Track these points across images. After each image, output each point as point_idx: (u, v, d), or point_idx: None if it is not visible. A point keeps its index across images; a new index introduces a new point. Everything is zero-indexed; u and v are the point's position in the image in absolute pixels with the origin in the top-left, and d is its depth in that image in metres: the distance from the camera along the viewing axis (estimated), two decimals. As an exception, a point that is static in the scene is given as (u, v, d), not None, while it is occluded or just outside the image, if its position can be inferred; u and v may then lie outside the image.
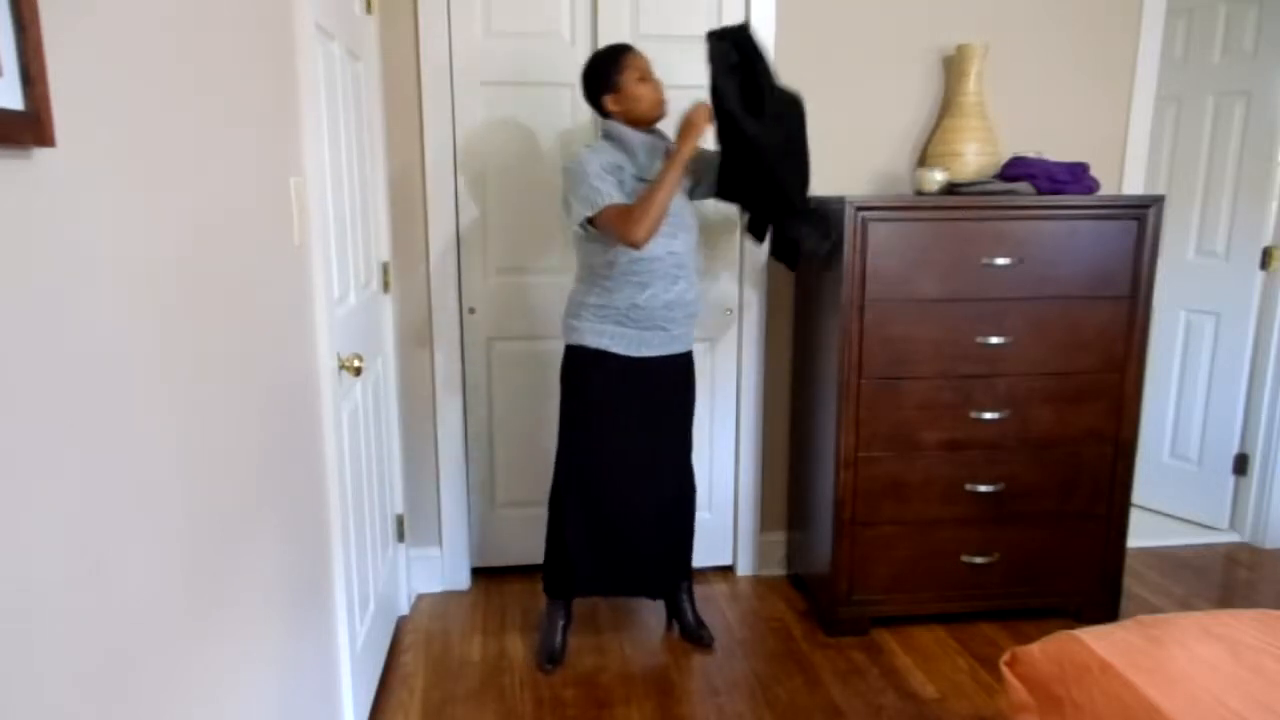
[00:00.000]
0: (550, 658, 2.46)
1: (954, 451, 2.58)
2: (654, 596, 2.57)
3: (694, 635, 2.60)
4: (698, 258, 2.45)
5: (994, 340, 2.52)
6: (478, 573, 3.00)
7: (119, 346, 0.92)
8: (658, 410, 2.39)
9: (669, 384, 2.39)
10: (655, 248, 2.24)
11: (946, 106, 2.80)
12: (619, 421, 2.35)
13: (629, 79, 2.24)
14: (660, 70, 2.31)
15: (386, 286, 2.62)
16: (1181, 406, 3.49)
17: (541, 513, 2.60)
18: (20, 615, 0.73)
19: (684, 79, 2.68)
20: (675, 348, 2.37)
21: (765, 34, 2.72)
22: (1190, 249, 3.41)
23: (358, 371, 1.96)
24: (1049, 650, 1.68)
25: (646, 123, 2.29)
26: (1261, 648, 1.53)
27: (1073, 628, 1.78)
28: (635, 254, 2.23)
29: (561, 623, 2.52)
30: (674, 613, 2.65)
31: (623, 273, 2.26)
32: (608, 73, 2.25)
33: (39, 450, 0.76)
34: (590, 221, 2.20)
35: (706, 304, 2.89)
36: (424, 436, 2.84)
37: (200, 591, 1.11)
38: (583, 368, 2.34)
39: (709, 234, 2.85)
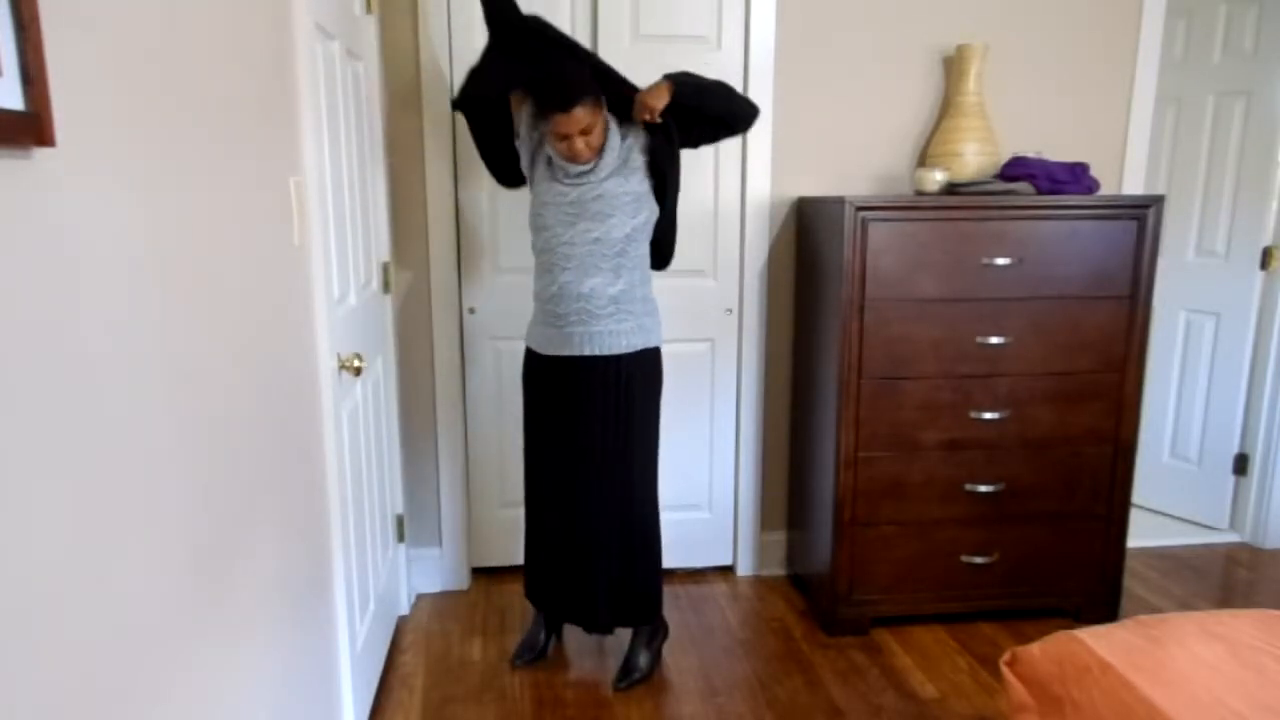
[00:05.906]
0: (518, 653, 2.48)
1: (954, 451, 2.58)
2: (590, 629, 2.39)
3: (623, 670, 2.39)
4: (625, 252, 2.21)
5: (994, 340, 2.52)
6: (478, 573, 3.00)
7: (118, 346, 0.92)
8: (579, 421, 2.26)
9: (587, 392, 2.24)
10: (550, 236, 2.22)
11: (946, 106, 2.80)
12: (543, 425, 2.34)
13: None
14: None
15: (387, 286, 2.62)
16: (1181, 406, 3.49)
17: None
18: (20, 615, 0.73)
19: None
20: (586, 348, 2.22)
21: (765, 34, 2.72)
22: (1190, 249, 3.41)
23: (358, 371, 1.96)
24: (1049, 650, 1.68)
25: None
26: (1261, 648, 1.53)
27: (1073, 628, 1.78)
28: (538, 239, 2.26)
29: (542, 624, 2.51)
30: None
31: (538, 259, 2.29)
32: None
33: (39, 450, 0.76)
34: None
35: (707, 304, 2.89)
36: (424, 436, 2.84)
37: (199, 591, 1.12)
38: (525, 364, 2.40)
39: (696, 233, 2.85)
